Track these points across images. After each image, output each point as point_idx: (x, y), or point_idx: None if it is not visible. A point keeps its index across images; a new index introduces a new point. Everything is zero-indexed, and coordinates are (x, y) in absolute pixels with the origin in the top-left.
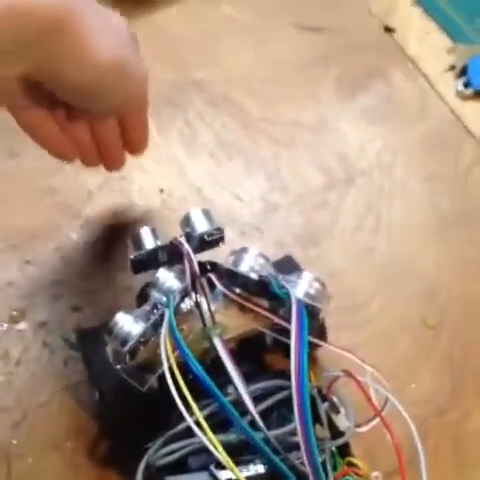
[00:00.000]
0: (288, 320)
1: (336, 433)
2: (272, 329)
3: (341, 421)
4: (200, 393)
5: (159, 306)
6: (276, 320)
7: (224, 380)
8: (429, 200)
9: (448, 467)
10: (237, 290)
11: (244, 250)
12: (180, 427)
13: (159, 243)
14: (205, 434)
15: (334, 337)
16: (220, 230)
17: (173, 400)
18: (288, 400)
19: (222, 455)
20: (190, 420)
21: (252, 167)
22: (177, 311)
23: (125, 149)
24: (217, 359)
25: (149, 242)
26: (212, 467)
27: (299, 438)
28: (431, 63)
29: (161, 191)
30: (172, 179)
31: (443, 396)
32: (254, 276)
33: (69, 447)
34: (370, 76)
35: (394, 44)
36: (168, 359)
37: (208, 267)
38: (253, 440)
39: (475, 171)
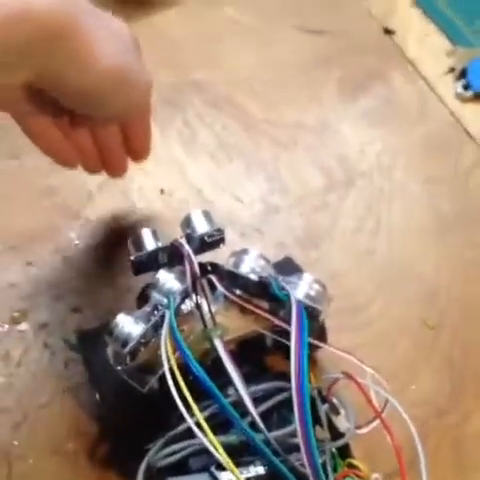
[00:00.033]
0: (288, 322)
1: (336, 434)
2: (272, 331)
3: (341, 422)
4: (200, 394)
5: (160, 307)
6: (276, 322)
7: (224, 381)
8: (429, 202)
9: (448, 469)
10: (238, 291)
11: (244, 251)
12: (181, 428)
13: (159, 244)
14: (205, 435)
15: (334, 339)
16: (220, 231)
17: (174, 401)
18: (288, 401)
19: (222, 456)
20: (191, 421)
21: (252, 168)
22: (178, 312)
23: (127, 156)
24: (217, 360)
25: (149, 243)
26: (213, 468)
27: (299, 439)
28: (430, 65)
29: (161, 192)
30: (172, 180)
31: (443, 398)
32: (254, 277)
33: (70, 448)
34: (371, 78)
35: (394, 46)
36: (169, 360)
37: (209, 268)
38: (253, 441)
39: (475, 173)
